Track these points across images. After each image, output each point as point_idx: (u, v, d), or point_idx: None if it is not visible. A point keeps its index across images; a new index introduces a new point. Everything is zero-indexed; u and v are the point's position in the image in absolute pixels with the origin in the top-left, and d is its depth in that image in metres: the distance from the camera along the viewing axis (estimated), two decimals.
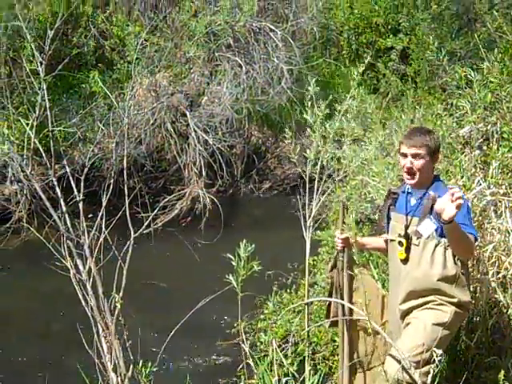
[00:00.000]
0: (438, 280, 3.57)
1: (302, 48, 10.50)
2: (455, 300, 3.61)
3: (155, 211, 4.07)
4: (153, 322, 5.91)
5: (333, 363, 4.89)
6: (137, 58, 9.35)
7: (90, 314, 3.48)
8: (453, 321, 3.61)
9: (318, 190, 4.00)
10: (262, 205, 9.78)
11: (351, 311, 3.82)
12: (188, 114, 9.21)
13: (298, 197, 4.21)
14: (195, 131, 9.09)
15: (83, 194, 3.78)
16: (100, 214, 3.60)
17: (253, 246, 3.41)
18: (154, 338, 5.00)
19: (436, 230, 3.57)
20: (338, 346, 5.21)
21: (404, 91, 11.93)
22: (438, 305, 3.61)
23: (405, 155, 3.65)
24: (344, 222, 3.93)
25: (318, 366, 4.69)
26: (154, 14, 10.27)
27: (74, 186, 3.71)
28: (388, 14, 13.38)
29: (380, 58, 13.09)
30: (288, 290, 5.88)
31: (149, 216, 4.06)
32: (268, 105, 9.74)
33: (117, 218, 3.69)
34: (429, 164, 3.64)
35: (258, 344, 5.18)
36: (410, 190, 3.77)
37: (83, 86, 9.74)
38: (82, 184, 3.69)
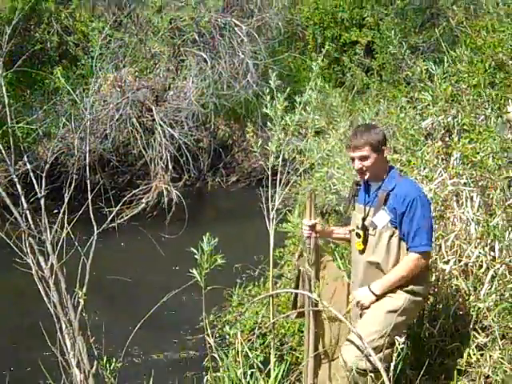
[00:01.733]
0: (392, 268, 3.67)
1: (267, 43, 10.55)
2: (409, 288, 3.69)
3: (119, 206, 4.04)
4: (118, 316, 5.86)
5: (300, 354, 4.92)
6: (100, 54, 9.27)
7: (52, 311, 3.44)
8: (408, 308, 3.67)
9: (280, 182, 4.00)
10: (229, 198, 9.80)
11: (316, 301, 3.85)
12: (154, 108, 9.17)
13: (263, 190, 4.22)
14: (161, 126, 9.06)
15: (46, 189, 3.73)
16: (62, 209, 3.56)
17: (216, 239, 3.41)
18: (119, 333, 4.93)
19: (390, 221, 3.65)
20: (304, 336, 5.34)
21: (369, 84, 12.08)
22: (392, 292, 3.69)
23: (353, 159, 3.74)
24: (311, 210, 3.95)
25: (285, 357, 4.71)
26: (118, 10, 10.19)
27: (35, 182, 3.65)
28: (353, 9, 13.51)
29: (345, 52, 13.22)
30: (256, 283, 5.90)
31: (113, 211, 4.04)
32: (234, 99, 9.74)
33: (79, 213, 3.66)
34: (377, 159, 3.68)
35: (227, 337, 5.19)
36: (369, 182, 3.83)
37: (47, 81, 9.62)
38: (43, 180, 3.64)
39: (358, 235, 3.77)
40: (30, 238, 3.51)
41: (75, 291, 3.48)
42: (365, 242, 3.73)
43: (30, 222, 3.54)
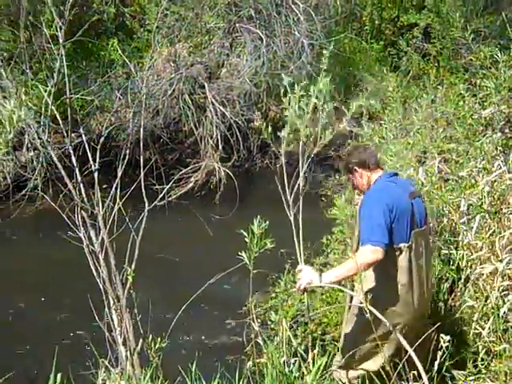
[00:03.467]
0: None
1: (323, 22, 10.31)
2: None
3: (170, 183, 4.02)
4: (164, 296, 5.90)
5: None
6: (157, 27, 9.24)
7: (101, 286, 3.46)
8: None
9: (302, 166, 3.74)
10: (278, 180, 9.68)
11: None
12: (206, 85, 9.11)
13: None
14: (213, 104, 9.00)
15: (99, 163, 3.73)
16: (115, 184, 3.56)
17: (267, 222, 3.36)
18: (164, 313, 4.99)
19: None
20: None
21: (425, 70, 11.76)
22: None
23: None
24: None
25: (327, 348, 4.66)
26: None
27: (89, 155, 3.66)
28: None
29: (402, 36, 12.88)
30: None
31: (163, 188, 4.03)
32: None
33: (131, 189, 3.66)
34: (356, 178, 4.02)
35: (269, 323, 5.16)
36: None
37: (102, 53, 9.66)
38: (97, 153, 3.64)
39: None
40: (82, 212, 3.52)
41: (124, 268, 3.49)
42: None
43: (84, 195, 3.55)
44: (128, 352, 3.38)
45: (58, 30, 3.77)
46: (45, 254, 7.04)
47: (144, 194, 3.68)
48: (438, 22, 11.64)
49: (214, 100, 9.05)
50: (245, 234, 3.40)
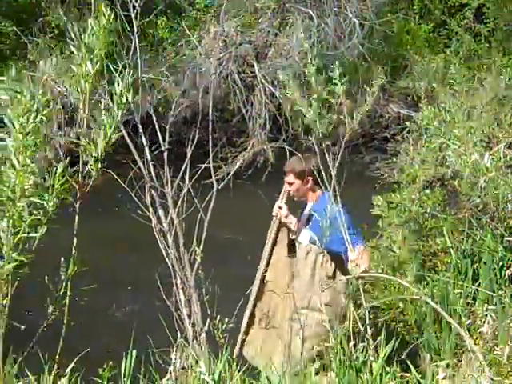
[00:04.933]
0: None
1: (376, 1, 10.08)
2: None
3: (237, 164, 3.98)
4: (229, 275, 5.84)
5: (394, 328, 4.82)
6: (205, 6, 9.17)
7: (170, 265, 3.45)
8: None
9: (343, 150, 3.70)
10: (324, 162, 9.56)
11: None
12: (256, 65, 9.01)
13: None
14: (262, 83, 8.91)
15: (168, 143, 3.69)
16: (184, 164, 3.53)
17: None
18: (229, 294, 4.95)
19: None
20: (399, 311, 5.19)
21: (476, 51, 11.46)
22: None
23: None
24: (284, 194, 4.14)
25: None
26: None
27: (159, 135, 3.63)
28: None
29: (453, 16, 12.54)
30: None
31: (219, 167, 3.99)
32: (338, 60, 9.41)
33: (201, 168, 3.63)
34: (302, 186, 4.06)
35: None
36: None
37: (151, 31, 9.62)
38: (167, 133, 3.61)
39: None
40: (152, 191, 3.50)
41: (192, 247, 3.47)
42: None
43: (153, 174, 3.53)
44: (196, 332, 3.36)
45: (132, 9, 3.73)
46: (105, 230, 7.07)
47: (213, 174, 3.64)
48: (492, 2, 11.29)
49: (263, 79, 8.94)
50: None
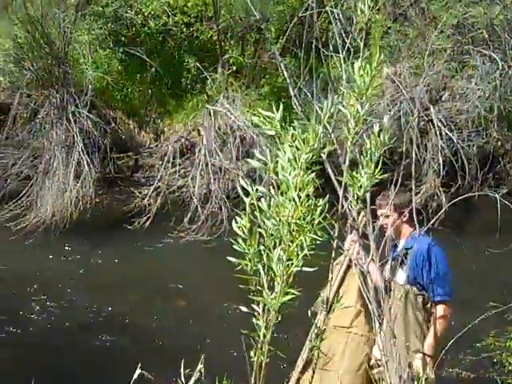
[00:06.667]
0: None
1: None
2: None
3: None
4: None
5: None
6: (379, 46, 9.14)
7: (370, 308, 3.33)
8: None
9: None
10: (498, 210, 9.04)
11: None
12: (432, 107, 8.78)
13: None
14: (438, 127, 8.64)
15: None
16: (388, 205, 3.44)
17: None
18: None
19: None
20: None
21: None
22: None
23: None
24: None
25: None
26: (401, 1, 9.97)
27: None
28: None
29: None
30: None
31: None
32: None
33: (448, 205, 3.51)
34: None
35: (506, 364, 4.76)
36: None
37: (323, 70, 9.75)
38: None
39: None
40: (353, 231, 3.43)
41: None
42: None
43: (354, 214, 3.44)
44: None
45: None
46: None
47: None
48: None
49: (439, 123, 8.67)
50: None
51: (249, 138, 8.86)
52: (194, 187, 9.01)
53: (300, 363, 4.00)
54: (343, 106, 2.28)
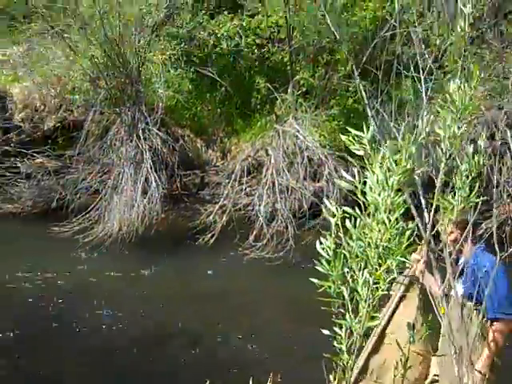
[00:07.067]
0: None
1: None
2: None
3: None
4: None
5: None
6: (454, 69, 8.99)
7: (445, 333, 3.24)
8: None
9: None
10: None
11: None
12: (508, 131, 8.54)
13: None
14: None
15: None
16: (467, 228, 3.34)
17: None
18: None
19: None
20: None
21: None
22: None
23: None
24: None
25: None
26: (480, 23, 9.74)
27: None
28: None
29: None
30: None
31: None
32: None
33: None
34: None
35: None
36: None
37: (396, 92, 9.65)
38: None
39: None
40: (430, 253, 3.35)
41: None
42: None
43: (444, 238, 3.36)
44: None
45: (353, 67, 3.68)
46: None
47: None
48: None
49: None
50: None
51: (317, 159, 8.85)
52: (259, 205, 9.04)
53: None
54: (439, 127, 2.22)
